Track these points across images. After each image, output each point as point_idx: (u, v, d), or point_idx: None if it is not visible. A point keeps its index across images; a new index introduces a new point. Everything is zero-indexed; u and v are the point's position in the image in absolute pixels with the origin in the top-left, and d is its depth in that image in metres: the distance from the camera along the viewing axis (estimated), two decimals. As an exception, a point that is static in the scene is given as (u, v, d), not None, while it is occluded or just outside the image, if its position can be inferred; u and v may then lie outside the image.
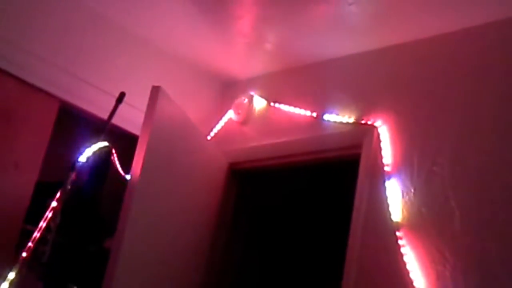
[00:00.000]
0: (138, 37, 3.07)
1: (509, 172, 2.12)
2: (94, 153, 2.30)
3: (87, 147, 2.28)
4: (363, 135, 2.58)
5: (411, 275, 2.19)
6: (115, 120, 2.37)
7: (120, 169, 2.63)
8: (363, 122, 2.61)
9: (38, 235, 2.16)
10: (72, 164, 2.20)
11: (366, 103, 2.71)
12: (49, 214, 2.15)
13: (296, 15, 2.68)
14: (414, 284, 2.17)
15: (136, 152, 2.34)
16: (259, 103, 3.17)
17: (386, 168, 2.44)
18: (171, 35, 3.09)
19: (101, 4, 2.85)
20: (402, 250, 2.26)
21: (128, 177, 2.39)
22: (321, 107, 2.86)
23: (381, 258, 2.33)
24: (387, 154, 2.47)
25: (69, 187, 2.17)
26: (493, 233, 2.07)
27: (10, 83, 2.59)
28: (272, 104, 3.11)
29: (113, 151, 2.57)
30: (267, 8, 2.62)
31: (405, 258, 2.23)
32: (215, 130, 3.25)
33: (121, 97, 2.30)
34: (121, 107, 2.32)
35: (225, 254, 3.08)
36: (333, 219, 3.04)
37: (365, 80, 2.78)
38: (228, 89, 3.43)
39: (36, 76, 2.66)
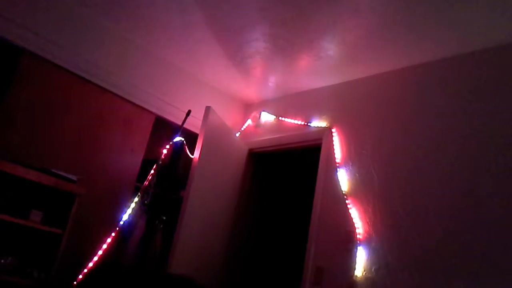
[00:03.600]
0: (198, 79, 3.44)
1: (410, 153, 2.44)
2: (174, 143, 2.80)
3: (170, 140, 2.74)
4: (324, 133, 2.99)
5: (355, 222, 2.51)
6: (185, 125, 2.89)
7: (188, 152, 2.89)
8: (324, 126, 3.02)
9: (143, 189, 2.71)
10: (163, 149, 2.72)
11: (327, 116, 3.07)
12: (149, 177, 2.74)
13: (286, 66, 3.02)
14: (355, 223, 2.49)
15: (197, 143, 2.69)
16: (265, 116, 3.57)
17: (336, 152, 2.88)
18: (217, 78, 3.40)
19: (179, 60, 3.23)
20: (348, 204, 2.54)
21: (192, 156, 2.71)
22: (302, 118, 3.24)
23: (335, 214, 2.57)
24: (336, 143, 2.93)
25: (160, 162, 2.72)
26: (397, 187, 2.42)
27: (128, 106, 3.04)
28: (271, 115, 3.41)
29: (184, 142, 2.91)
30: (270, 62, 3.01)
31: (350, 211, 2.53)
32: (240, 130, 3.61)
33: (188, 113, 2.83)
34: (189, 118, 2.86)
35: (245, 200, 3.39)
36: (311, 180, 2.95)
37: (329, 103, 3.11)
38: (247, 108, 3.83)
39: (143, 101, 3.08)
